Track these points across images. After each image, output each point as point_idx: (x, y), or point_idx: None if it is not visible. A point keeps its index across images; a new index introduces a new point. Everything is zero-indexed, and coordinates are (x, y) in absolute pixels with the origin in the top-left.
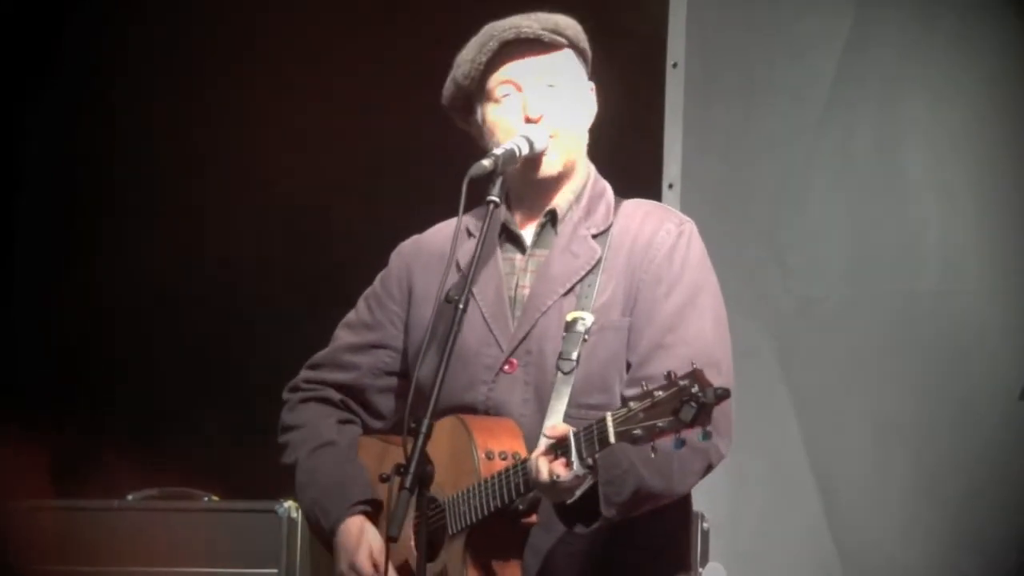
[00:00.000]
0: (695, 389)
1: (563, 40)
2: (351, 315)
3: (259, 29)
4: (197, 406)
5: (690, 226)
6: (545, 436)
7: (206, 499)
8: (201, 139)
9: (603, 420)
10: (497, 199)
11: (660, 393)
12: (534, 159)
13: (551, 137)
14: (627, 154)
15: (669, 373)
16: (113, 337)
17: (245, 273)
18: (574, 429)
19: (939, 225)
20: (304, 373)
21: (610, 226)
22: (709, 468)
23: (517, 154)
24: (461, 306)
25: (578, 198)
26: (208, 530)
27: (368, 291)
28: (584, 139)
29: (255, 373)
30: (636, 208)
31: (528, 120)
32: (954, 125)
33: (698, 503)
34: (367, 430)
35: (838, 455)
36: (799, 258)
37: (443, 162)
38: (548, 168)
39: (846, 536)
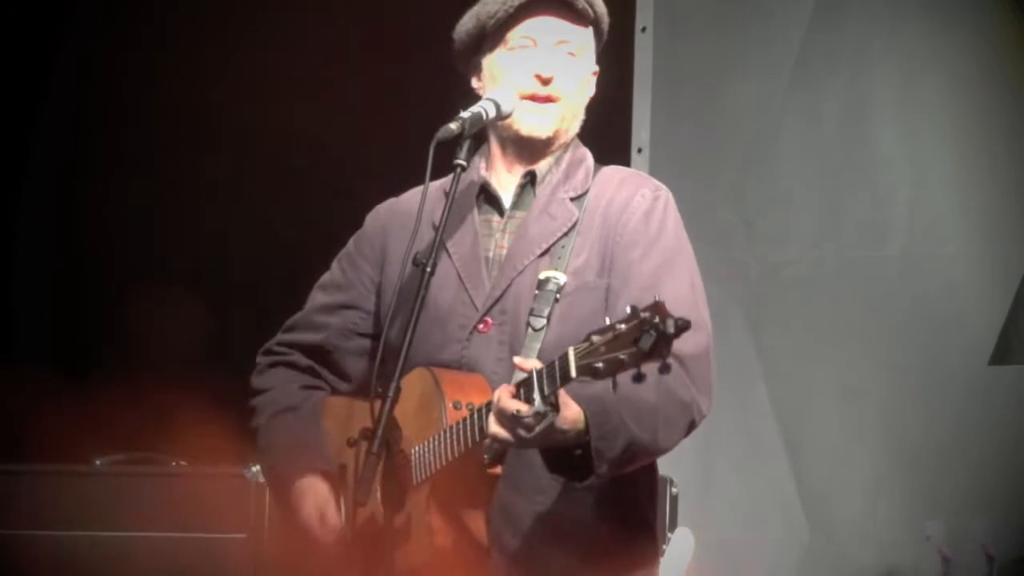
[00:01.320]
0: (656, 320)
1: (592, 15)
2: (325, 276)
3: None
4: (167, 370)
5: (666, 192)
6: (516, 368)
7: (174, 464)
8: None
9: (565, 354)
10: (464, 163)
11: (622, 326)
12: (505, 117)
13: (553, 102)
14: (596, 118)
15: (632, 307)
16: (85, 297)
17: (228, 242)
18: (538, 366)
19: (908, 191)
20: (279, 336)
21: (587, 190)
22: (692, 426)
23: (484, 117)
24: (428, 269)
25: (558, 161)
26: (176, 495)
27: (342, 252)
28: (581, 112)
29: (229, 338)
30: (613, 174)
31: (539, 77)
32: (924, 90)
33: (666, 468)
34: (334, 392)
35: (806, 419)
36: (768, 223)
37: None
38: (537, 130)
39: (814, 500)
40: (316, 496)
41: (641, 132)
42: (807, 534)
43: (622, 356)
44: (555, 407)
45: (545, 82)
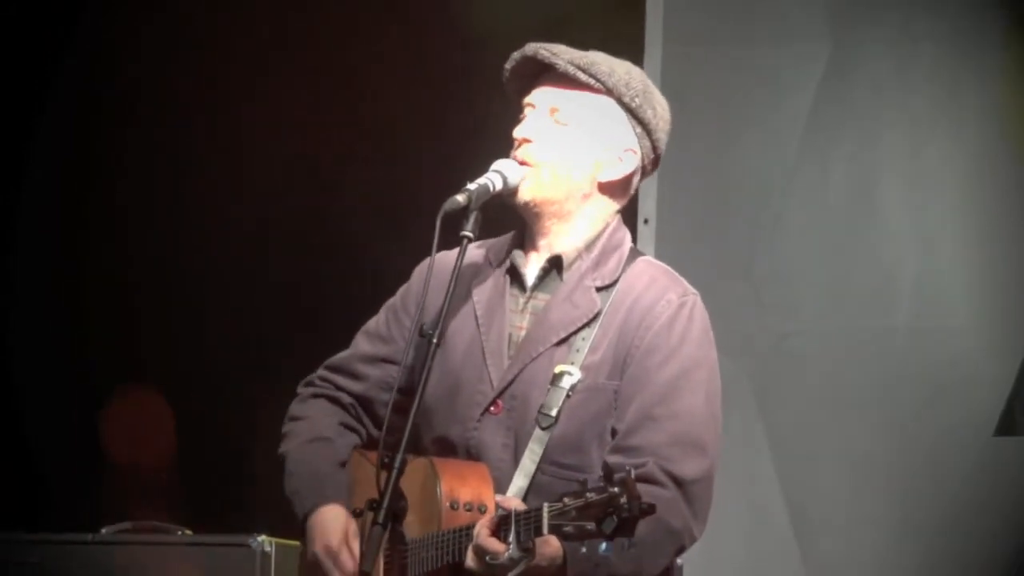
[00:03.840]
0: (623, 500)
1: (591, 80)
2: (371, 322)
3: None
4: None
5: (694, 298)
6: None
7: (180, 533)
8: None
9: (540, 509)
10: (471, 234)
11: (592, 495)
12: (512, 190)
13: (528, 166)
14: (626, 200)
15: (606, 474)
16: (88, 365)
17: (235, 300)
18: (518, 509)
19: (915, 262)
20: (320, 372)
21: (616, 281)
22: (681, 550)
23: (491, 189)
24: (435, 340)
25: (589, 247)
26: (182, 564)
27: (389, 302)
28: (575, 185)
29: (232, 406)
30: (645, 269)
31: (516, 140)
32: (932, 161)
33: None
34: (369, 441)
35: (813, 491)
36: (775, 294)
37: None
38: (521, 194)
39: (820, 573)
40: (343, 525)
41: (647, 203)
42: None
43: (588, 527)
44: (530, 553)
45: (519, 145)
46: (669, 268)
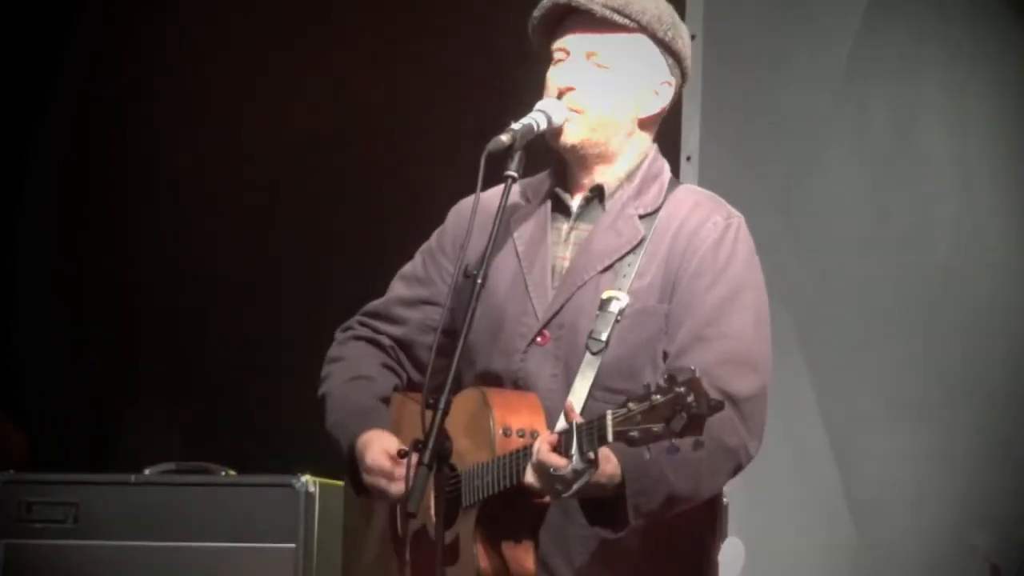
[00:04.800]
0: (690, 399)
1: (627, 21)
2: (407, 267)
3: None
4: (215, 379)
5: (739, 220)
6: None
7: (223, 473)
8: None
9: (603, 417)
10: (515, 174)
11: (658, 397)
12: (556, 130)
13: (576, 112)
14: (656, 130)
15: (670, 376)
16: (132, 313)
17: (266, 249)
18: (579, 420)
19: (954, 198)
20: (358, 317)
21: (659, 208)
22: (738, 469)
23: (535, 128)
24: (480, 280)
25: (630, 176)
26: (225, 504)
27: (424, 245)
28: (620, 125)
29: (274, 347)
30: (688, 195)
31: (559, 89)
32: (971, 98)
33: None
34: (410, 384)
35: (854, 427)
36: (815, 231)
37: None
38: (566, 138)
39: (862, 508)
40: (384, 444)
41: (690, 140)
42: (855, 542)
43: (656, 429)
44: (593, 464)
45: (561, 94)
46: (711, 193)
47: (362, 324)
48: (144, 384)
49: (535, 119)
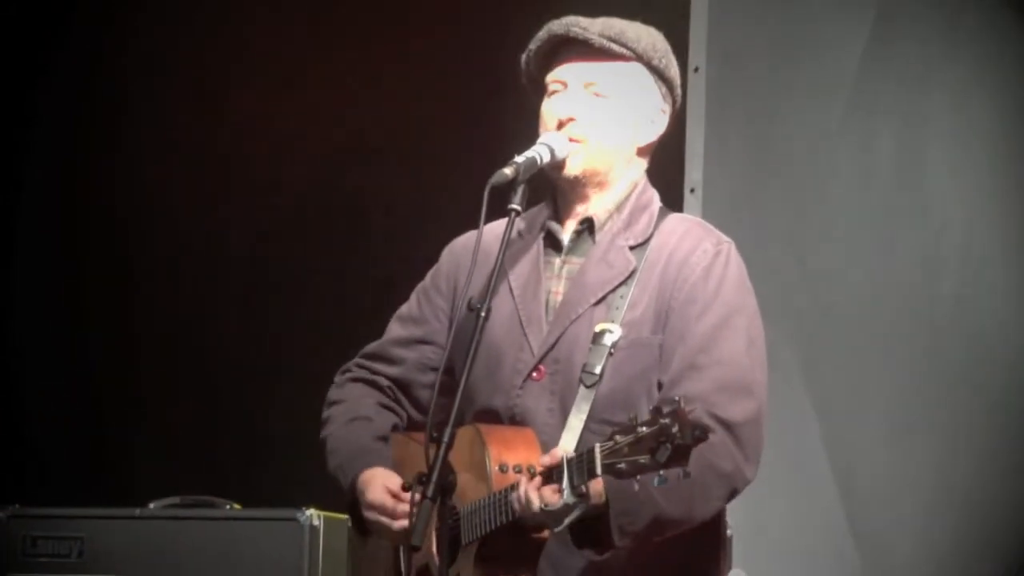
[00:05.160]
0: (675, 429)
1: (623, 50)
2: (403, 307)
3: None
4: (218, 413)
5: (728, 246)
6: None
7: (228, 507)
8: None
9: (592, 451)
10: (518, 207)
11: (643, 429)
12: (559, 163)
13: (577, 143)
14: (650, 159)
15: (656, 407)
16: (138, 349)
17: (273, 282)
18: (568, 455)
19: (961, 227)
20: (356, 360)
21: (649, 238)
22: (733, 493)
23: (538, 162)
24: (483, 314)
25: (619, 208)
26: (230, 538)
27: (419, 285)
28: (620, 153)
29: (279, 382)
30: (678, 224)
31: (559, 121)
32: (977, 125)
33: None
34: (410, 424)
35: (859, 458)
36: (820, 261)
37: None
38: (568, 170)
39: (866, 539)
40: (386, 481)
41: (694, 172)
42: (860, 572)
43: (642, 460)
44: (585, 497)
45: (561, 125)
46: (701, 220)
47: (360, 366)
48: (150, 417)
49: (538, 152)
